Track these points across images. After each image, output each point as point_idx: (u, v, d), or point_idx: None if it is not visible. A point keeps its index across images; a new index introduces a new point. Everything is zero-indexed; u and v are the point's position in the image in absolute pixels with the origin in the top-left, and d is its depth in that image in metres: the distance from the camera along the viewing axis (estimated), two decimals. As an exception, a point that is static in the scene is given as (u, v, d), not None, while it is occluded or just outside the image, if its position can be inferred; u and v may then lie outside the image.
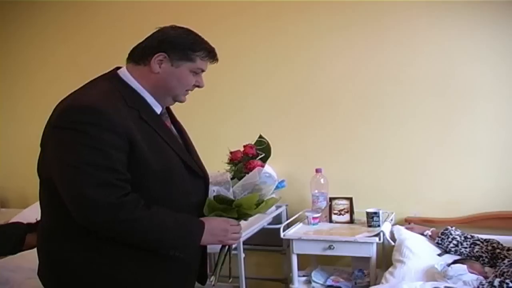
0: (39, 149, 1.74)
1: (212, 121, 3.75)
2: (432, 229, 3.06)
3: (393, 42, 3.34)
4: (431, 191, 3.33)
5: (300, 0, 3.49)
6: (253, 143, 2.03)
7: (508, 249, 2.75)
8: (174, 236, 1.71)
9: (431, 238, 3.01)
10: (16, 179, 4.22)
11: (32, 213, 2.85)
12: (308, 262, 3.34)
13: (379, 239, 2.93)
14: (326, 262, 3.36)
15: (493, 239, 2.84)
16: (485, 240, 2.85)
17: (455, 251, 2.88)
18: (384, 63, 3.37)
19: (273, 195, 1.96)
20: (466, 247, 2.85)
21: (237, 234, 1.88)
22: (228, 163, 1.98)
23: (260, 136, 2.25)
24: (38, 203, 1.80)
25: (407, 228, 3.13)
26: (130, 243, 1.67)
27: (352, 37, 3.42)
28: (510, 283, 2.27)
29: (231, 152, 1.98)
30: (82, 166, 1.56)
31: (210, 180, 1.90)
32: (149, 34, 1.81)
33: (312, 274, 3.17)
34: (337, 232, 3.09)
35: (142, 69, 1.77)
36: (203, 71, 1.84)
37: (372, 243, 2.92)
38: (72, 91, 1.76)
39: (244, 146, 1.99)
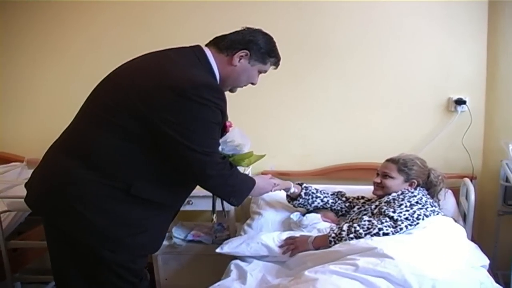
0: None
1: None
2: (294, 187, 2.82)
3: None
4: (286, 145, 3.40)
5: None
6: None
7: (358, 198, 2.91)
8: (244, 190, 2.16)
9: (291, 195, 2.84)
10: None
11: None
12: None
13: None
14: (187, 218, 3.35)
15: (342, 191, 2.96)
16: (338, 192, 2.95)
17: (315, 207, 2.86)
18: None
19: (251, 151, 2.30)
20: (324, 202, 2.87)
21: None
22: None
23: None
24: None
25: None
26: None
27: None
28: (357, 227, 2.40)
29: None
30: (207, 137, 1.86)
31: None
32: (237, 30, 2.04)
33: (173, 230, 3.14)
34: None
35: (223, 57, 1.99)
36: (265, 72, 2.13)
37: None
38: (153, 63, 1.93)
39: None
